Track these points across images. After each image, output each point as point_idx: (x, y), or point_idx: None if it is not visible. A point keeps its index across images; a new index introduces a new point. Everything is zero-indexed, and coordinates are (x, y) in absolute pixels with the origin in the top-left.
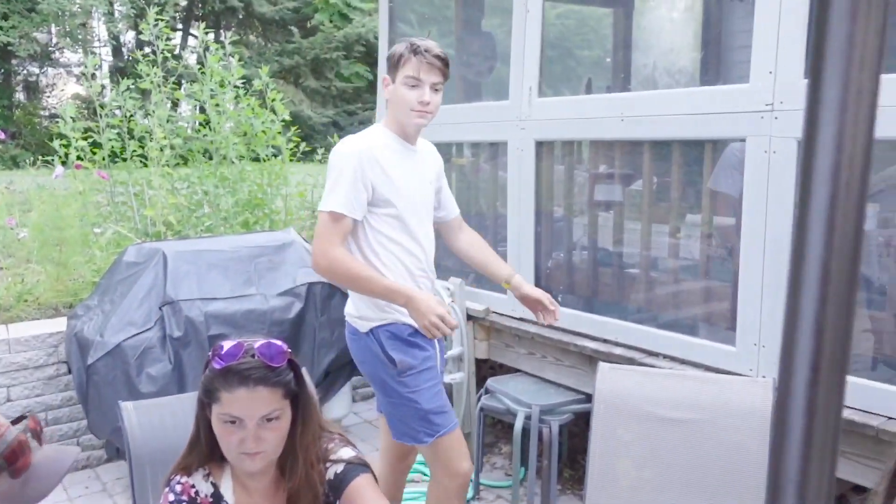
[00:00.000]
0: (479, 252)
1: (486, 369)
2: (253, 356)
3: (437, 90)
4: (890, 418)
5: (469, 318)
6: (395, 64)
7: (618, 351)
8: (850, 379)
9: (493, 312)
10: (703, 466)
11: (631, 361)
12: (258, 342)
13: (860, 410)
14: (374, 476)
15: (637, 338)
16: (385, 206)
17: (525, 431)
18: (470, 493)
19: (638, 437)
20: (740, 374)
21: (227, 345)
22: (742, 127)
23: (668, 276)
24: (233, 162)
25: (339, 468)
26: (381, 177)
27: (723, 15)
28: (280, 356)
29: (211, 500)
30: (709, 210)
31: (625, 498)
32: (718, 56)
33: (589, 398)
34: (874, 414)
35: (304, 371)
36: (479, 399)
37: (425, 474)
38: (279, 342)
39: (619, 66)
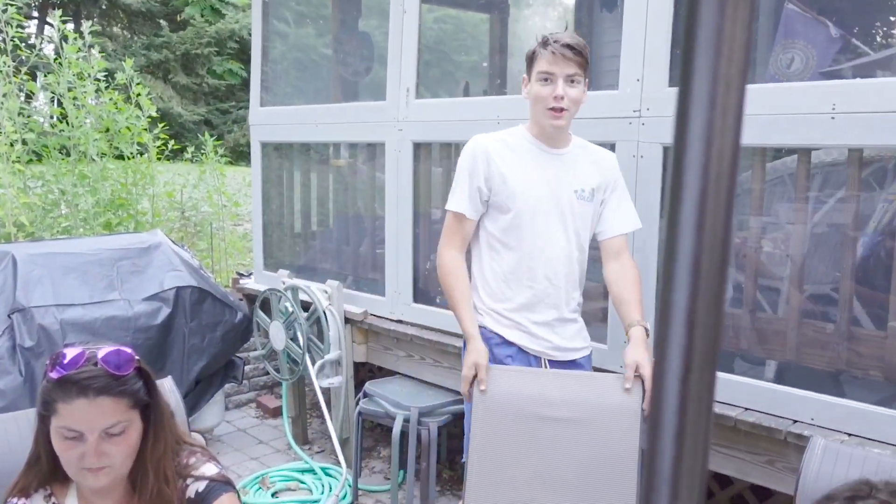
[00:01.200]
0: (617, 287)
1: (364, 373)
2: (95, 364)
3: (573, 82)
4: (746, 409)
5: (347, 321)
6: (529, 61)
7: None
8: (759, 383)
9: (372, 315)
10: (579, 462)
11: None
12: (103, 349)
13: (720, 402)
14: (238, 495)
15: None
16: (500, 208)
17: (404, 434)
18: (348, 499)
19: (516, 435)
20: (614, 371)
21: (69, 353)
22: (612, 132)
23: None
24: (93, 159)
25: (202, 486)
26: (496, 177)
27: (593, 25)
28: (126, 364)
29: None
30: None
31: (505, 495)
32: (589, 64)
33: None
34: (733, 405)
35: (168, 380)
36: (357, 403)
37: (302, 482)
38: (127, 349)
39: (496, 70)
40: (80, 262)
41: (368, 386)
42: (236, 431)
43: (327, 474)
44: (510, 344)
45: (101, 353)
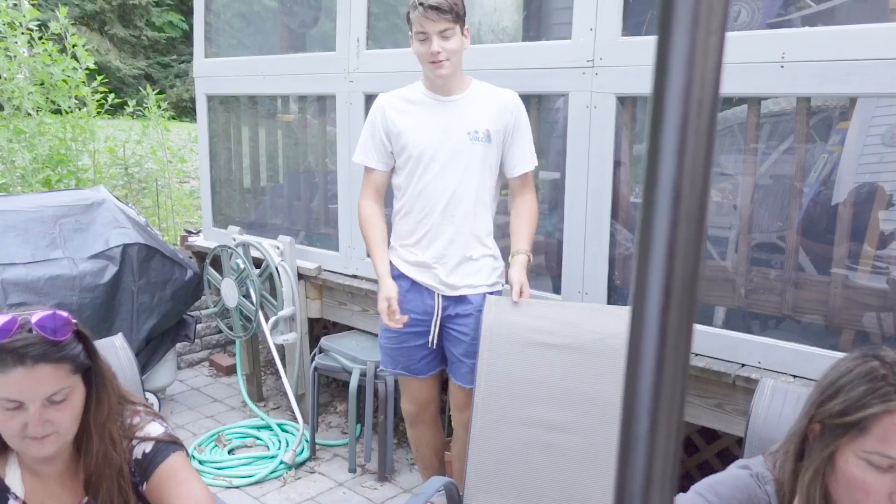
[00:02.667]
0: (513, 220)
1: (318, 329)
2: (30, 331)
3: (446, 37)
4: (696, 354)
5: (300, 277)
6: (407, 22)
7: None
8: (708, 329)
9: (325, 270)
10: (579, 388)
11: None
12: (36, 314)
13: (716, 359)
14: (187, 453)
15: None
16: (399, 157)
17: (360, 388)
18: (306, 454)
19: (521, 361)
20: None
21: None
22: (565, 82)
23: (497, 230)
24: (29, 114)
25: (148, 447)
26: (392, 130)
27: None
28: (64, 328)
29: None
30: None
31: (511, 413)
32: (540, 17)
33: None
34: (729, 362)
35: (118, 337)
36: (312, 359)
37: (258, 439)
38: (62, 312)
39: None
40: (20, 220)
41: (324, 341)
42: (190, 390)
43: (284, 430)
44: (405, 277)
45: (34, 319)
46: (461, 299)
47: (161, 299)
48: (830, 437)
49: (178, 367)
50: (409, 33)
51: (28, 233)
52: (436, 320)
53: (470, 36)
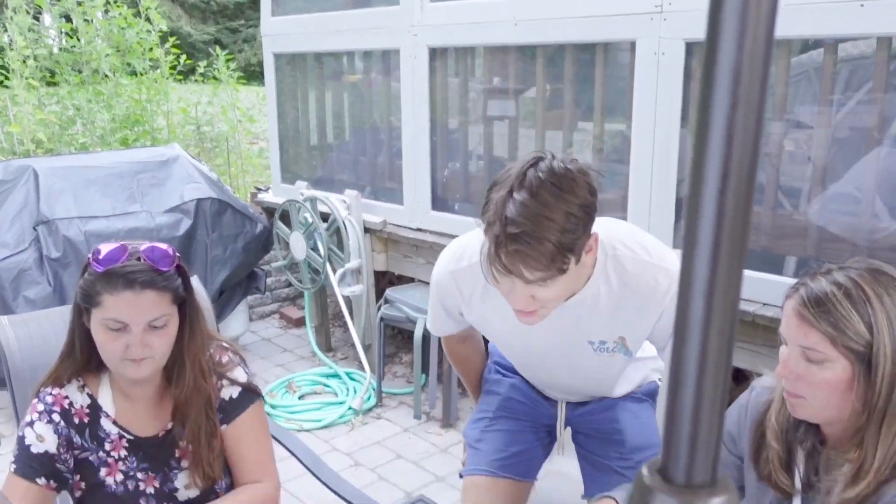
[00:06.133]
0: None
1: (384, 283)
2: (139, 259)
3: (544, 286)
4: (765, 304)
5: (366, 230)
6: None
7: None
8: (778, 278)
9: (390, 224)
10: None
11: None
12: (145, 245)
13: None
14: (265, 401)
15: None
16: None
17: (426, 339)
18: (373, 401)
19: None
20: None
21: (106, 247)
22: (632, 28)
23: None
24: (106, 76)
25: (235, 392)
26: (468, 312)
27: None
28: (167, 259)
29: (88, 411)
30: (600, 116)
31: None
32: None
33: None
34: (751, 301)
35: (195, 279)
36: (378, 310)
37: (327, 386)
38: (165, 245)
39: None
40: (100, 176)
41: (389, 292)
42: (261, 341)
43: (352, 378)
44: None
45: (143, 248)
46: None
47: (233, 252)
48: None
49: (250, 320)
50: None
51: (108, 188)
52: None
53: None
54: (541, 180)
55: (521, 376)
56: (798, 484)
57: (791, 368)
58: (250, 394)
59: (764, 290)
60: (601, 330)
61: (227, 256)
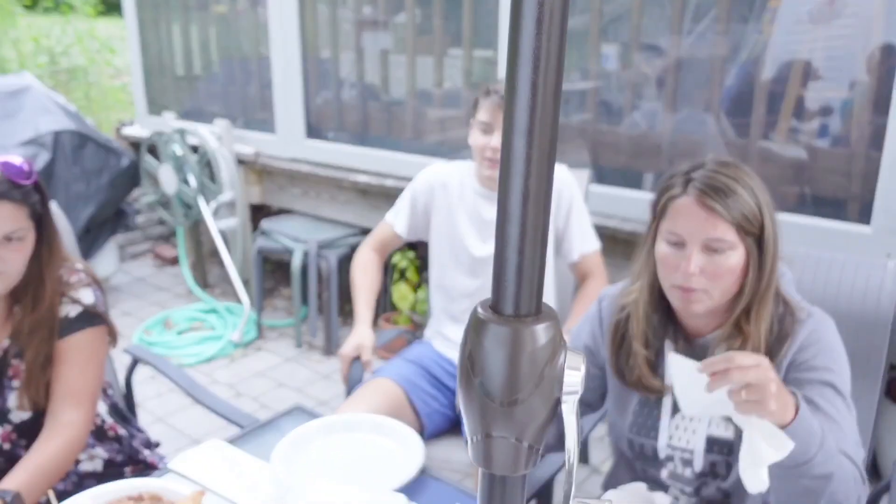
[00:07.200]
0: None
1: (260, 217)
2: None
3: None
4: (624, 219)
5: (239, 162)
6: (473, 108)
7: (389, 183)
8: (637, 194)
9: (264, 155)
10: None
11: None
12: (2, 157)
13: (606, 216)
14: (109, 332)
15: (409, 169)
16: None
17: (304, 271)
18: (253, 334)
19: None
20: None
21: None
22: None
23: (434, 106)
24: None
25: (73, 311)
26: (428, 215)
27: None
28: (23, 174)
29: None
30: (469, 43)
31: None
32: None
33: (365, 231)
34: (612, 216)
35: (54, 203)
36: (254, 242)
37: (206, 322)
38: (21, 159)
39: None
40: None
41: (265, 223)
42: (134, 280)
43: (231, 313)
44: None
45: (0, 160)
46: None
47: (98, 187)
48: (650, 229)
49: (122, 260)
50: (472, 119)
51: None
52: None
53: None
54: None
55: (449, 389)
56: (668, 382)
57: (695, 264)
58: (91, 316)
59: (624, 205)
60: None
61: (92, 192)
